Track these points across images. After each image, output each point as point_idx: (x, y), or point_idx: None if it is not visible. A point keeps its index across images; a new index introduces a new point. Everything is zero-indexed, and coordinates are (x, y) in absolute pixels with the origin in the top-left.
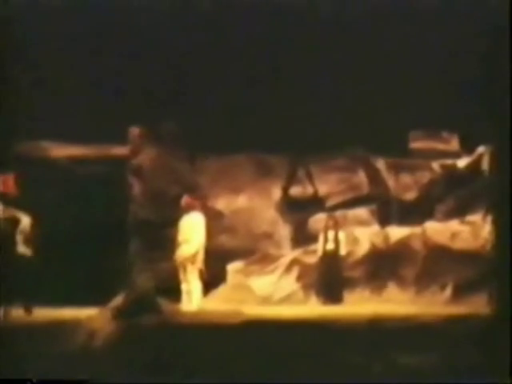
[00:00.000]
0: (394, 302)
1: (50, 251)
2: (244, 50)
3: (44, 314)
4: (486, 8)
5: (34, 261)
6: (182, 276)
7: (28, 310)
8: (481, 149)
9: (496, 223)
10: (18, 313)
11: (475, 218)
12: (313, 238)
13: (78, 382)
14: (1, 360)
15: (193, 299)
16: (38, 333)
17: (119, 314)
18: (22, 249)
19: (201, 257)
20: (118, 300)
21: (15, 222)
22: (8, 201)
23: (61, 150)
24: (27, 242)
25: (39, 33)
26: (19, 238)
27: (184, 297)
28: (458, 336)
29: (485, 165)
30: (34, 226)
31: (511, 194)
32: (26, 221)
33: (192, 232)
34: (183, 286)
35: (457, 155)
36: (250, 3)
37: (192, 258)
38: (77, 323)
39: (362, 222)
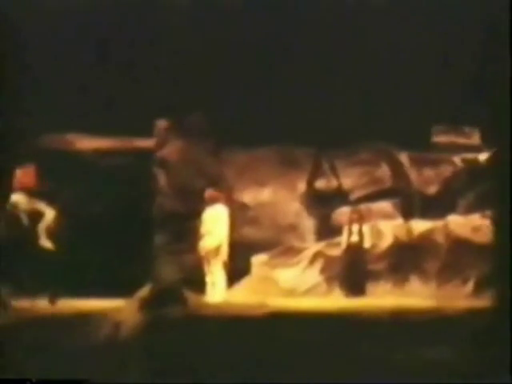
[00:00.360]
0: (416, 295)
1: (76, 243)
2: (269, 44)
3: (70, 305)
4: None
5: (60, 253)
6: (206, 268)
7: (53, 300)
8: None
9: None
10: (42, 304)
11: None
12: (337, 231)
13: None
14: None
15: (217, 291)
16: (63, 324)
17: (145, 305)
18: (45, 242)
19: (225, 249)
20: (144, 291)
21: (39, 215)
22: (33, 194)
23: (86, 143)
24: (50, 235)
25: (64, 27)
26: (42, 232)
27: (209, 288)
28: (480, 329)
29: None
30: (57, 219)
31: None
32: (50, 214)
33: (215, 224)
34: (208, 278)
35: (478, 149)
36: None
37: (216, 251)
38: (103, 314)
39: (385, 216)
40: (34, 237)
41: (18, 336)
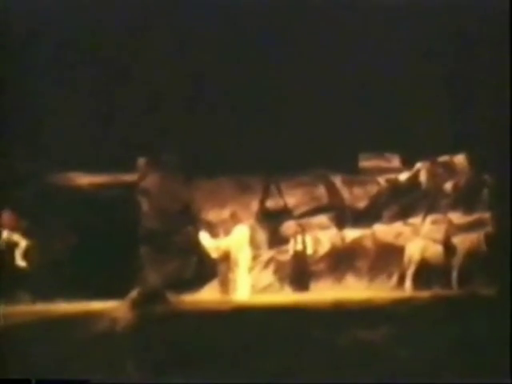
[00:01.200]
0: (352, 289)
1: (80, 257)
2: (223, 92)
3: (72, 306)
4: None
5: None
6: (233, 273)
7: (34, 301)
8: (418, 165)
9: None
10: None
11: (415, 220)
12: (284, 241)
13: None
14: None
15: (244, 291)
16: (65, 321)
17: (135, 304)
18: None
19: (249, 257)
20: (133, 293)
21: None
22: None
23: (84, 179)
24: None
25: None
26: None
27: (234, 289)
28: (403, 314)
29: (422, 177)
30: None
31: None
32: (23, 243)
33: (242, 240)
34: (234, 281)
35: (398, 171)
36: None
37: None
38: (100, 313)
39: (323, 227)
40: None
41: (19, 337)
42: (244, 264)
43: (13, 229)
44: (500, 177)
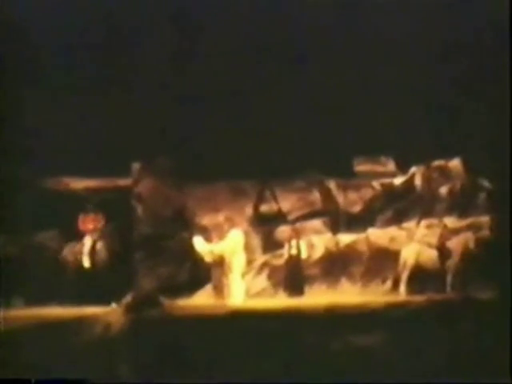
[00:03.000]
0: (346, 294)
1: None
2: (218, 97)
3: (69, 311)
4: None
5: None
6: (227, 277)
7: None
8: (413, 169)
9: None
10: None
11: (409, 224)
12: (279, 245)
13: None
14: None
15: (238, 296)
16: (62, 327)
17: (129, 309)
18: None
19: (243, 262)
20: (127, 298)
21: None
22: None
23: (79, 183)
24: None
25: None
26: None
27: (229, 294)
28: (398, 319)
29: (416, 182)
30: None
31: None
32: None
33: (236, 245)
34: (228, 286)
35: (393, 175)
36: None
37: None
38: (96, 318)
39: (317, 231)
40: None
41: (21, 338)
42: (238, 269)
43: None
44: (495, 181)
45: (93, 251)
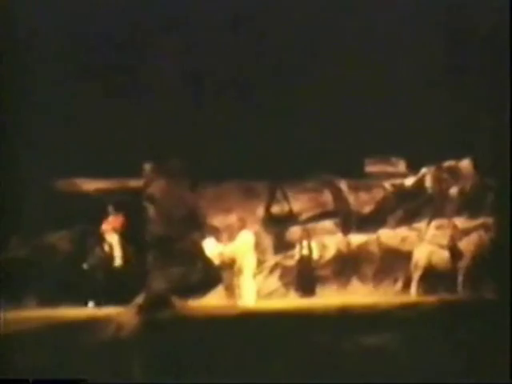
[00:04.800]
0: (357, 294)
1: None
2: (230, 98)
3: (84, 311)
4: None
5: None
6: (238, 278)
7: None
8: (424, 170)
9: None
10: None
11: (420, 224)
12: (290, 246)
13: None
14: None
15: (250, 297)
16: (72, 326)
17: (141, 310)
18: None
19: (254, 263)
20: (139, 299)
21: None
22: None
23: (91, 184)
24: None
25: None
26: None
27: (240, 295)
28: (409, 319)
29: (427, 182)
30: None
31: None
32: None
33: (247, 245)
34: (240, 287)
35: (404, 176)
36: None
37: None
38: (108, 318)
39: (328, 232)
40: None
41: (25, 341)
42: (249, 270)
43: (116, 230)
44: (504, 181)
45: (111, 251)
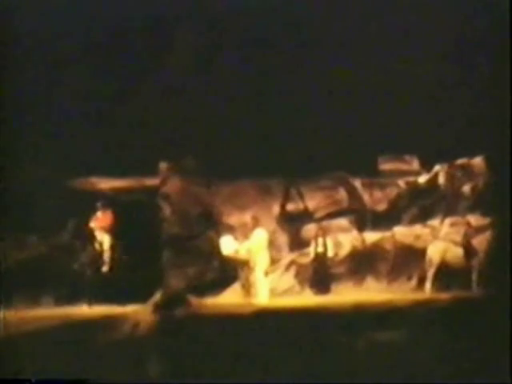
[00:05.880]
0: (372, 291)
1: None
2: (244, 96)
3: (100, 310)
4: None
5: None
6: (252, 276)
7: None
8: (437, 167)
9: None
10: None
11: (434, 222)
12: (306, 244)
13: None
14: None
15: (262, 294)
16: (88, 325)
17: (157, 308)
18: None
19: (266, 261)
20: (156, 297)
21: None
22: None
23: (106, 183)
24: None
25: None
26: None
27: (254, 293)
28: (423, 316)
29: (440, 180)
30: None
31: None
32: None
33: (260, 243)
34: (253, 284)
35: (417, 173)
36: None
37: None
38: (125, 316)
39: (343, 230)
40: None
41: (41, 340)
42: (262, 267)
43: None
44: None
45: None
